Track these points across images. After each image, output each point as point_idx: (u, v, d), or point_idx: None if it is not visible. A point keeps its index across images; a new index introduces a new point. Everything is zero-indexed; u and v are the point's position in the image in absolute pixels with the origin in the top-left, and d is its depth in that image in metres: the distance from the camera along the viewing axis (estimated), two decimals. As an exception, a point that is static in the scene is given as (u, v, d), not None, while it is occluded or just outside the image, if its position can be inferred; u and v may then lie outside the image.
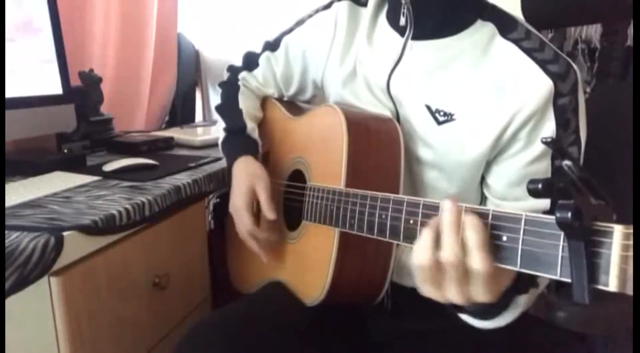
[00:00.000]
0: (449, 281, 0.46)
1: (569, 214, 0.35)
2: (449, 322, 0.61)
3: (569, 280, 0.37)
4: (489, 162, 0.68)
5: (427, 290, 0.48)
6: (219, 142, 0.92)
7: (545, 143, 0.41)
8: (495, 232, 0.43)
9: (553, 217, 0.37)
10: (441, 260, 0.45)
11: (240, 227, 0.81)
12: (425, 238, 0.46)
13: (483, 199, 0.73)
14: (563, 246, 0.38)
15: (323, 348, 0.73)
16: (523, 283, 0.57)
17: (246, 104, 0.92)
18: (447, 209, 0.45)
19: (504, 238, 0.42)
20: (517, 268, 0.41)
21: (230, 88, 0.95)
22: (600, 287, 0.35)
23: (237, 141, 0.88)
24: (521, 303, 0.60)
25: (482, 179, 0.71)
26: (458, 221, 0.45)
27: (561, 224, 0.36)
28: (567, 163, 0.38)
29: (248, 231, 0.80)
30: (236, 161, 0.84)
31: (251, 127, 0.88)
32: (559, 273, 0.38)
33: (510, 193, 0.67)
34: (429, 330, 0.72)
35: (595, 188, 0.37)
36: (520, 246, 0.41)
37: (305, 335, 0.73)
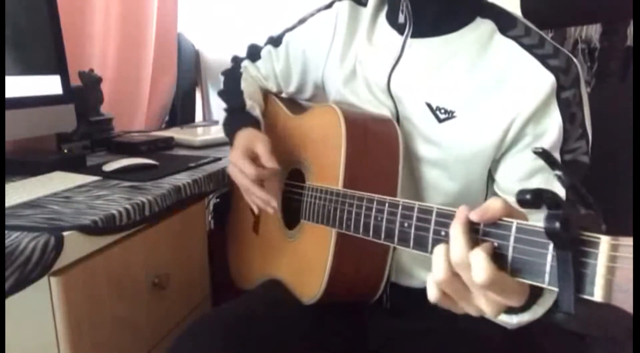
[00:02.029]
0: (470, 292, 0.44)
1: (557, 224, 0.35)
2: (447, 321, 0.61)
3: (556, 289, 0.37)
4: (497, 160, 0.68)
5: (453, 306, 0.46)
6: (221, 123, 0.92)
7: (536, 153, 0.41)
8: (486, 238, 0.43)
9: (542, 226, 0.37)
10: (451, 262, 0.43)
11: (240, 180, 0.76)
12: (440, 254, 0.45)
13: (489, 196, 0.73)
14: (552, 255, 0.38)
15: (321, 347, 0.73)
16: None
17: (248, 88, 0.92)
18: (463, 216, 0.44)
19: (495, 245, 0.42)
20: (507, 274, 0.41)
21: (232, 74, 0.96)
22: (586, 297, 0.36)
23: (238, 117, 0.86)
24: (539, 311, 0.57)
25: (491, 178, 0.71)
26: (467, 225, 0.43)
27: (549, 234, 0.36)
28: (557, 172, 0.38)
29: (250, 175, 0.73)
30: (236, 134, 0.80)
31: (250, 105, 0.87)
32: (547, 281, 0.39)
33: (520, 189, 0.66)
34: (427, 329, 0.72)
35: (585, 197, 0.38)
36: (510, 253, 0.41)
37: (303, 333, 0.73)
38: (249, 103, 0.87)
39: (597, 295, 0.35)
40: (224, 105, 0.93)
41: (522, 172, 0.65)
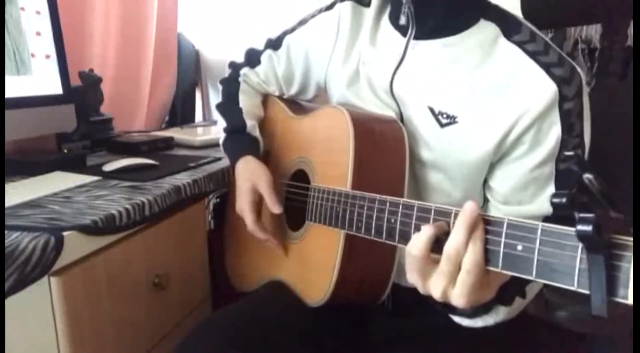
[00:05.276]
0: (436, 276, 0.48)
1: (591, 228, 0.35)
2: (449, 321, 0.62)
3: (586, 291, 0.37)
4: (493, 165, 0.68)
5: (413, 279, 0.50)
6: (220, 142, 0.92)
7: (568, 157, 0.41)
8: (509, 241, 0.43)
9: (569, 228, 0.37)
10: (444, 250, 0.46)
11: (247, 226, 0.82)
12: (425, 232, 0.48)
13: (485, 202, 0.73)
14: (581, 258, 0.38)
15: (324, 348, 0.73)
16: (507, 296, 0.58)
17: (247, 102, 0.92)
18: (469, 209, 0.46)
19: (519, 248, 0.42)
20: (532, 278, 0.41)
21: (231, 85, 0.95)
22: (619, 300, 0.36)
23: (237, 140, 0.88)
24: (501, 312, 0.60)
25: (485, 181, 0.71)
26: (474, 223, 0.45)
27: (582, 237, 0.36)
28: (588, 176, 0.38)
29: (251, 230, 0.80)
30: (237, 161, 0.84)
31: (251, 125, 0.88)
32: (576, 284, 0.38)
33: (513, 197, 0.67)
34: (429, 329, 0.72)
35: (614, 200, 0.38)
36: (535, 256, 0.41)
37: (306, 334, 0.73)
38: (249, 124, 0.88)
39: (632, 298, 0.35)
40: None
41: (517, 181, 0.65)
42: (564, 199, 0.37)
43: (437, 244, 0.48)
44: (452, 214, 0.48)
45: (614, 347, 0.83)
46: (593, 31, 1.16)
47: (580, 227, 0.36)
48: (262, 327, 0.70)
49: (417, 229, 0.51)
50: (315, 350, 0.72)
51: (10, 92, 0.88)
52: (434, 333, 0.71)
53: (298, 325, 0.73)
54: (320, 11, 0.85)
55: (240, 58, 0.96)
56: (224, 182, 1.01)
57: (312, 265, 0.74)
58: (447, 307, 0.55)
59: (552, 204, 0.38)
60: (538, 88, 0.62)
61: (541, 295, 0.89)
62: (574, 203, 0.37)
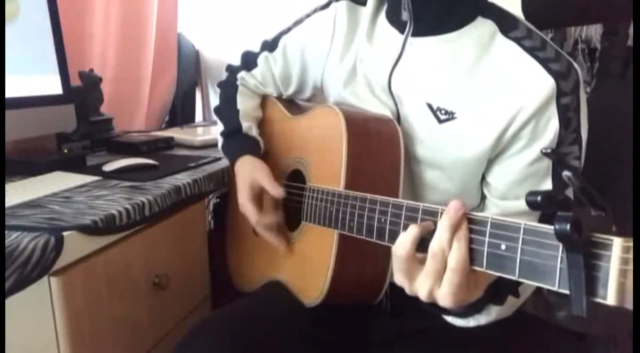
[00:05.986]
0: (422, 276, 0.48)
1: (568, 227, 0.34)
2: (447, 321, 0.62)
3: (567, 292, 0.37)
4: (491, 160, 0.68)
5: (399, 279, 0.50)
6: (219, 147, 0.92)
7: (545, 154, 0.41)
8: (493, 240, 0.43)
9: (552, 227, 0.36)
10: (429, 249, 0.47)
11: (250, 221, 0.82)
12: (410, 232, 0.48)
13: (482, 198, 0.73)
14: (562, 258, 0.37)
15: (323, 348, 0.73)
16: (498, 295, 0.58)
17: (245, 104, 0.92)
18: (452, 208, 0.46)
19: (503, 247, 0.42)
20: (515, 278, 0.41)
21: (228, 89, 0.95)
22: (599, 300, 0.35)
23: (234, 143, 0.88)
24: (493, 312, 0.60)
25: (482, 177, 0.71)
26: (458, 222, 0.45)
27: (560, 236, 0.36)
28: (566, 173, 0.37)
29: (255, 223, 0.80)
30: (236, 163, 0.85)
31: (247, 126, 0.89)
32: (557, 284, 0.38)
33: (510, 192, 0.67)
34: (428, 329, 0.72)
35: (595, 198, 0.37)
36: (518, 256, 0.40)
37: (305, 334, 0.73)
38: (245, 125, 0.88)
39: (610, 298, 0.34)
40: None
41: (514, 176, 0.66)
42: (538, 198, 0.37)
43: (423, 244, 0.48)
44: (439, 213, 0.48)
45: (614, 347, 0.83)
46: (593, 31, 1.16)
47: (557, 226, 0.35)
48: (262, 327, 0.70)
49: (406, 229, 0.51)
50: (315, 350, 0.72)
51: (10, 92, 0.88)
52: (433, 333, 0.71)
53: (298, 325, 0.73)
54: (315, 10, 0.85)
55: (237, 61, 0.97)
56: (224, 182, 1.01)
57: (309, 265, 0.74)
58: (436, 308, 0.55)
59: (527, 203, 0.38)
60: (536, 83, 0.62)
61: (541, 295, 0.89)
62: (550, 202, 0.36)
